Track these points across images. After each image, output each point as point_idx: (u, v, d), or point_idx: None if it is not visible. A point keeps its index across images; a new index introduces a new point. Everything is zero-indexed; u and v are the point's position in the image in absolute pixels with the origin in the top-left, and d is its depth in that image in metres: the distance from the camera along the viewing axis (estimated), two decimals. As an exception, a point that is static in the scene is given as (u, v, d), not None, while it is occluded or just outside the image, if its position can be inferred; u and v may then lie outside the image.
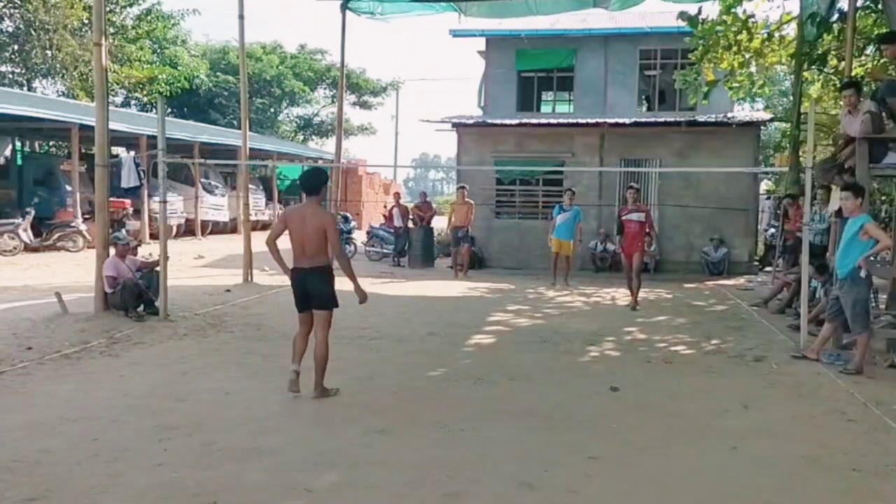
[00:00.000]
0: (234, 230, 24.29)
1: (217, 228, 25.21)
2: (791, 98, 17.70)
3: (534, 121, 17.13)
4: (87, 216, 17.52)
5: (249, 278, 12.68)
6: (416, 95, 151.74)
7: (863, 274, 6.83)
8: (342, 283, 5.80)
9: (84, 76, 26.27)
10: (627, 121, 16.51)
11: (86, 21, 25.16)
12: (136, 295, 8.92)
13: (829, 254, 9.37)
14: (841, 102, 9.71)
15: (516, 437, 4.91)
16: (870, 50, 14.40)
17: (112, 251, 9.19)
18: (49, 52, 26.31)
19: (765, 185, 24.08)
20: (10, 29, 26.81)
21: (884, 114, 7.77)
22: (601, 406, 5.73)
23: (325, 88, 42.97)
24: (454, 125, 17.24)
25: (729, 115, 17.28)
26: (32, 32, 25.88)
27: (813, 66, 14.83)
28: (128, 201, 18.61)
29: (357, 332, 8.24)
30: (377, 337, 8.25)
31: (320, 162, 29.02)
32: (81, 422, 5.01)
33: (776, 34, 15.03)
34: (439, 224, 19.11)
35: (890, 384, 6.46)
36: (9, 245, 16.27)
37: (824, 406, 5.77)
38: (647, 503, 3.95)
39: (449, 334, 8.54)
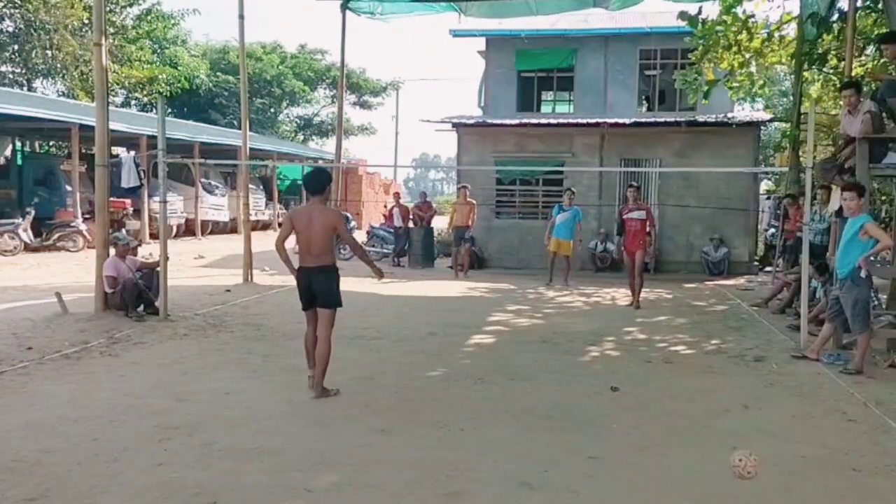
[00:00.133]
0: (234, 230, 24.32)
1: (217, 228, 25.23)
2: (791, 98, 17.69)
3: (534, 121, 17.11)
4: (87, 216, 17.53)
5: (249, 278, 12.69)
6: (416, 95, 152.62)
7: (863, 274, 6.83)
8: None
9: (84, 76, 26.30)
10: (627, 121, 16.49)
11: (86, 21, 25.18)
12: (136, 295, 8.92)
13: (829, 254, 9.36)
14: (841, 102, 9.70)
15: (516, 437, 4.91)
16: (870, 50, 14.40)
17: (112, 251, 9.19)
18: (49, 52, 26.34)
19: (765, 185, 24.10)
20: (11, 29, 26.84)
21: (884, 114, 7.78)
22: (601, 406, 5.73)
23: (325, 88, 43.02)
24: (454, 125, 17.23)
25: (729, 115, 17.27)
26: (33, 32, 25.90)
27: (813, 66, 14.84)
28: (128, 201, 18.61)
29: (357, 332, 8.23)
30: (377, 337, 8.24)
31: (320, 162, 29.02)
32: (81, 422, 5.01)
33: (776, 34, 15.05)
34: (439, 224, 19.11)
35: (890, 384, 6.46)
36: (9, 245, 16.28)
37: (824, 406, 5.77)
38: (647, 503, 3.95)
39: (449, 334, 8.53)
